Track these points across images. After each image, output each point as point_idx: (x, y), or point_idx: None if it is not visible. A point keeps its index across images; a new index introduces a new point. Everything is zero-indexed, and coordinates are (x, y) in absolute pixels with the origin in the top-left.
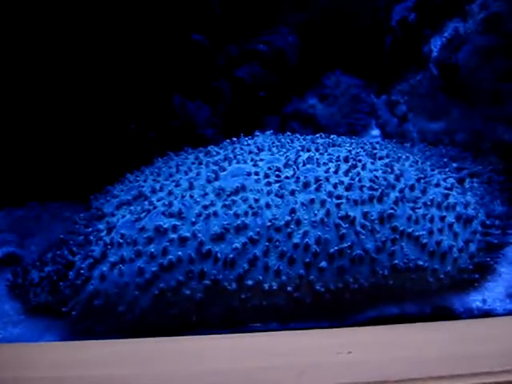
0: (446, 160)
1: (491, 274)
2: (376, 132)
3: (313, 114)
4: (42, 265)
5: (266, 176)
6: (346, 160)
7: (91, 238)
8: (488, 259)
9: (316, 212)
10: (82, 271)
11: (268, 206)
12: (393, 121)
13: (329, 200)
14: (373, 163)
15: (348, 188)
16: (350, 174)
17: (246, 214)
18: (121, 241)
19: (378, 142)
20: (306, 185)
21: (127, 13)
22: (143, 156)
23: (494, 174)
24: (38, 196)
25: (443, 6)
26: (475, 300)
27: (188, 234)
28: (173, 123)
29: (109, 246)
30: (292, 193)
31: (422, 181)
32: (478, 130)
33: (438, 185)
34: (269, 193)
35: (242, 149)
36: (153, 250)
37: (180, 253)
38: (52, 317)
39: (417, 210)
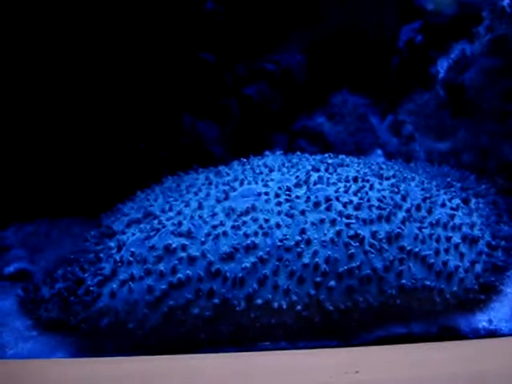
0: (450, 180)
1: (497, 294)
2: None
3: (320, 132)
4: (52, 281)
5: (277, 196)
6: (355, 180)
7: (101, 255)
8: (494, 280)
9: (326, 232)
10: (91, 288)
11: (278, 225)
12: (393, 141)
13: (339, 219)
14: (380, 183)
15: (357, 207)
16: (359, 194)
17: (255, 233)
18: (131, 259)
19: (384, 163)
20: (317, 204)
21: (137, 32)
22: (153, 173)
23: (499, 194)
24: (47, 212)
25: (450, 28)
26: (481, 320)
27: (197, 254)
28: (182, 141)
29: (119, 264)
30: (302, 212)
31: (428, 201)
32: (484, 150)
33: (443, 205)
34: (279, 213)
35: (252, 169)
36: (162, 268)
37: (189, 271)
38: (63, 333)
39: (423, 230)
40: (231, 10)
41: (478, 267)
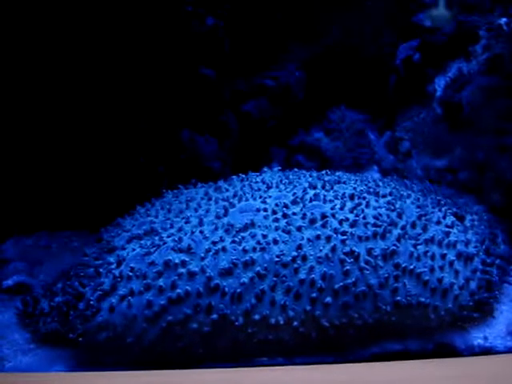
0: (445, 197)
1: (492, 311)
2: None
3: (318, 148)
4: (51, 295)
5: (274, 212)
6: (352, 197)
7: (101, 270)
8: (488, 297)
9: (321, 248)
10: (91, 302)
11: (276, 241)
12: (389, 157)
13: (334, 236)
14: (376, 200)
15: (353, 224)
16: (355, 211)
17: (254, 249)
18: (130, 274)
19: (381, 179)
20: (313, 221)
21: (138, 48)
22: (152, 188)
23: (493, 212)
24: (47, 225)
25: (447, 47)
26: (477, 337)
27: (197, 269)
28: (181, 156)
29: (118, 279)
30: (299, 229)
31: (423, 218)
32: (480, 167)
33: (438, 222)
34: (276, 228)
35: (250, 185)
36: (162, 283)
37: (188, 287)
38: (61, 347)
39: (418, 247)
40: (231, 26)
41: (473, 284)
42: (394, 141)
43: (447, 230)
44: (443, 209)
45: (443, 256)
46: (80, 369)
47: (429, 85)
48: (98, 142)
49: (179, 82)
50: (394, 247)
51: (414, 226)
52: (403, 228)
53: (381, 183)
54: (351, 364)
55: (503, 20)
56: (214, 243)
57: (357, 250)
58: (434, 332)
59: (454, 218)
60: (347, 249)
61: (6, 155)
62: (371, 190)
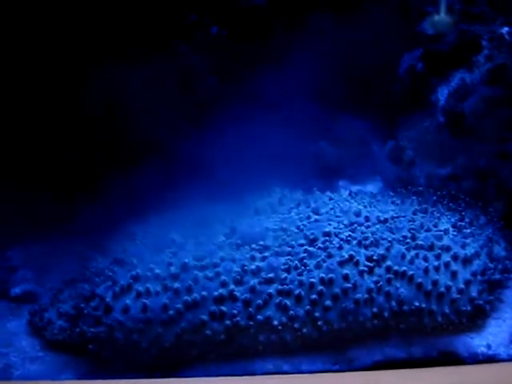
0: (444, 205)
1: (495, 318)
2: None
3: (322, 157)
4: (59, 301)
5: (281, 230)
6: (352, 220)
7: (116, 269)
8: (490, 300)
9: (322, 257)
10: (102, 305)
11: (281, 254)
12: (392, 167)
13: (331, 245)
14: (377, 218)
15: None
16: (355, 229)
17: (262, 259)
18: (148, 274)
19: (382, 194)
20: (316, 239)
21: (141, 56)
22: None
23: (494, 219)
24: (51, 230)
25: (449, 57)
26: (480, 345)
27: (211, 275)
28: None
29: (134, 280)
30: (301, 245)
31: (424, 227)
32: (482, 176)
33: (439, 230)
34: (282, 244)
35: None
36: (178, 286)
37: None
38: (70, 354)
39: (419, 255)
40: (235, 35)
41: (474, 290)
42: (397, 150)
43: (447, 235)
44: (443, 216)
45: (446, 264)
46: (89, 377)
47: (432, 94)
48: (104, 150)
49: (184, 91)
50: (386, 252)
51: (414, 235)
52: (402, 237)
53: (381, 200)
54: (356, 372)
55: (505, 29)
56: (224, 255)
57: (356, 256)
58: (438, 339)
59: (450, 225)
60: (345, 255)
61: (11, 159)
62: (371, 208)
